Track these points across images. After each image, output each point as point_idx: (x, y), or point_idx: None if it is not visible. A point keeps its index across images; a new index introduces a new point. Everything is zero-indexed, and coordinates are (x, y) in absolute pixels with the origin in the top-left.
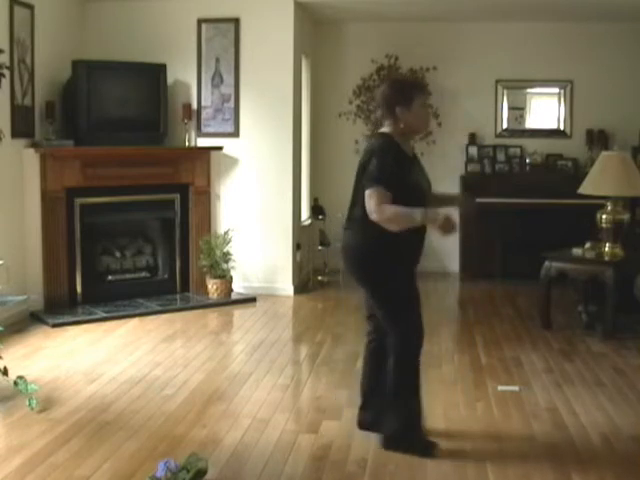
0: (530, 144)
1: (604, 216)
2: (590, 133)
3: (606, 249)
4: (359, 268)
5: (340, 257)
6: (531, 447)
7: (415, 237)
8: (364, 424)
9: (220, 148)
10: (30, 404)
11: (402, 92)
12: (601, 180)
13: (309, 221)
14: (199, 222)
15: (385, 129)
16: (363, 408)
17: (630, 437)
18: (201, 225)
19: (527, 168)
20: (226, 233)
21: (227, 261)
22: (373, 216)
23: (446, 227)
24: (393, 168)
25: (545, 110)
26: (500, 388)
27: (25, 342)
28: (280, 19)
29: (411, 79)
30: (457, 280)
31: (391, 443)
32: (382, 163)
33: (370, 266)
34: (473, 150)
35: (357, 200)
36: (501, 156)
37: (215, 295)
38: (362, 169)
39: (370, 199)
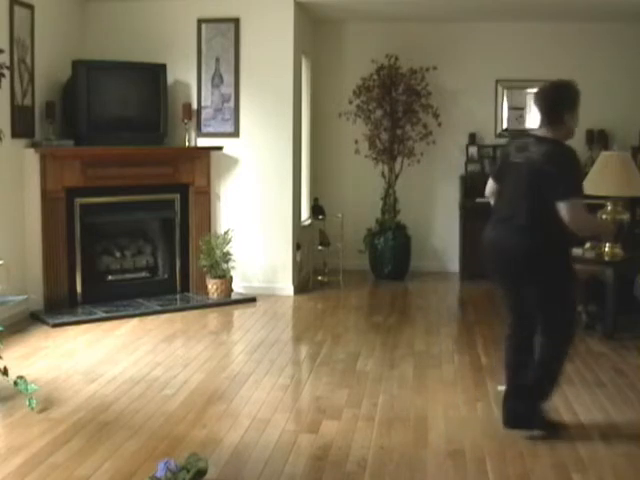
0: None
1: (604, 216)
2: (590, 133)
3: (606, 249)
4: (534, 266)
5: (495, 253)
6: (531, 447)
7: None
8: (512, 419)
9: (220, 148)
10: (30, 404)
11: (570, 97)
12: (601, 180)
13: (309, 221)
14: (199, 222)
15: (549, 134)
16: (512, 398)
17: (630, 437)
18: (201, 225)
19: None
20: (226, 233)
21: (227, 261)
22: (574, 226)
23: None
24: (583, 178)
25: None
26: (500, 388)
27: (25, 342)
28: (280, 19)
29: (572, 82)
30: (457, 280)
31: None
32: (577, 174)
33: (549, 265)
34: (473, 150)
35: (522, 194)
36: None
37: (215, 295)
38: (532, 166)
39: (572, 212)
